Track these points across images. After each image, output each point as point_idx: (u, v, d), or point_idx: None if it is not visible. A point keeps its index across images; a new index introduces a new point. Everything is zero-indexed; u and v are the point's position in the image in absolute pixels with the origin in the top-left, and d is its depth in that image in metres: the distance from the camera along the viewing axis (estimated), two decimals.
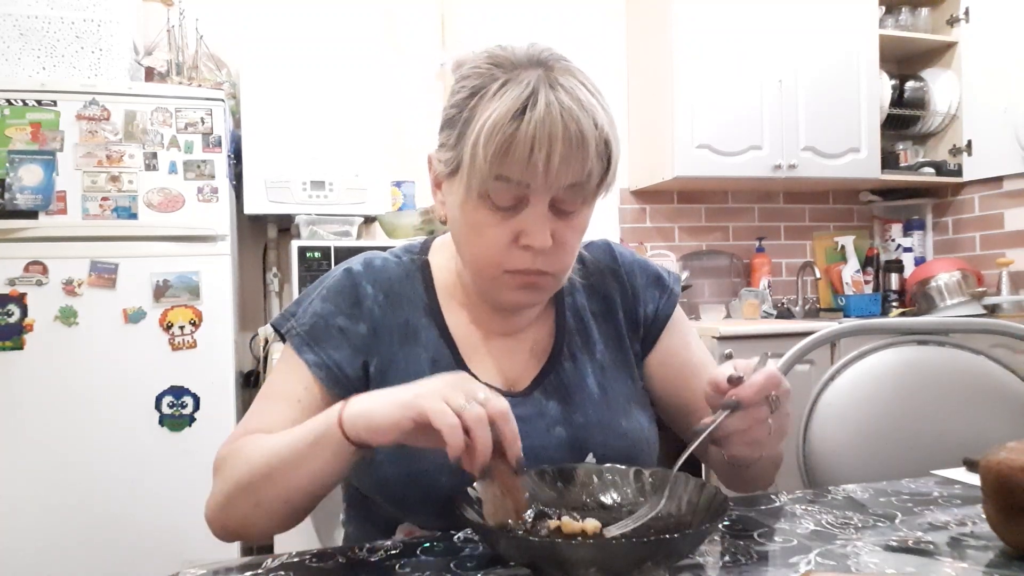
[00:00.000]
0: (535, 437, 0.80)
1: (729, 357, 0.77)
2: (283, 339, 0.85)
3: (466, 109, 0.74)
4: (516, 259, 0.76)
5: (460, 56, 0.81)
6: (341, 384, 0.81)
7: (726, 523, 0.72)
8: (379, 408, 0.64)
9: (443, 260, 0.90)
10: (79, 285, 1.96)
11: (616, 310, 0.92)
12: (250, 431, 0.79)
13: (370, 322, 0.83)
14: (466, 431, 0.60)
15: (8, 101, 1.93)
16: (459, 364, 0.84)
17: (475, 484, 0.65)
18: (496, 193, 0.73)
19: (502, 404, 0.62)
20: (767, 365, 0.68)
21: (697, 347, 0.95)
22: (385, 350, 0.83)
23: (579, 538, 0.63)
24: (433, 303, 0.87)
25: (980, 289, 2.95)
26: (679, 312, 0.96)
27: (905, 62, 3.32)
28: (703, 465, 0.99)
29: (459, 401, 0.61)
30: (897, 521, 0.72)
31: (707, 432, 0.66)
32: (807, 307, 3.21)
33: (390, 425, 0.62)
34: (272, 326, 0.87)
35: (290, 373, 0.82)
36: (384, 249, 0.94)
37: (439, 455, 0.60)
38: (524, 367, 0.87)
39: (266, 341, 2.33)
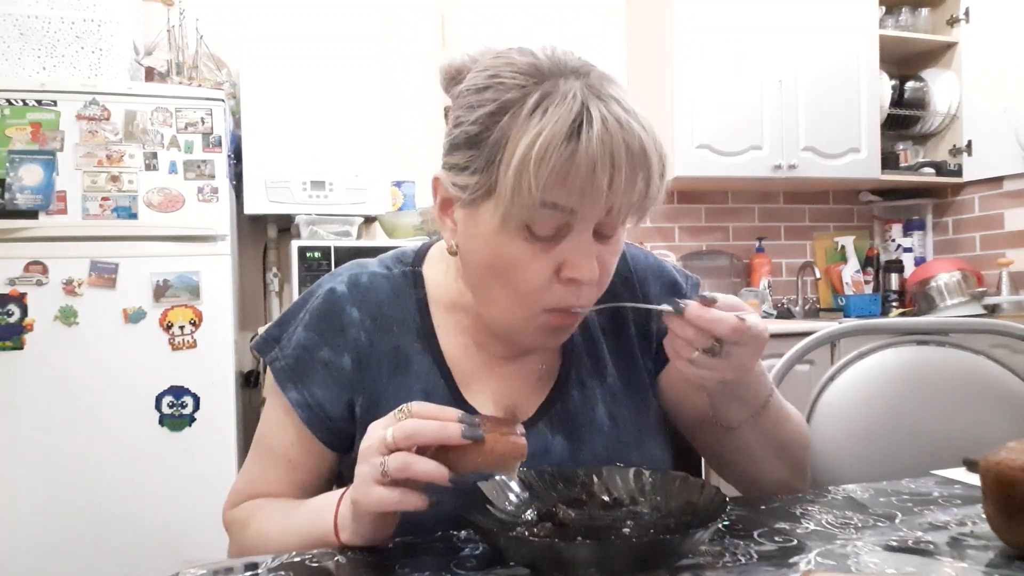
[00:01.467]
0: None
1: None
2: (268, 366, 0.80)
3: (495, 128, 0.65)
4: (557, 295, 0.69)
5: (453, 62, 0.74)
6: (324, 426, 0.77)
7: (726, 523, 0.72)
8: (360, 527, 0.63)
9: (439, 274, 0.82)
10: (79, 285, 1.96)
11: (628, 323, 0.85)
12: (251, 493, 0.79)
13: (355, 353, 0.77)
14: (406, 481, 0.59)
15: (8, 101, 1.93)
16: (454, 395, 0.78)
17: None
18: (539, 222, 0.65)
19: (404, 427, 0.59)
20: (749, 317, 0.63)
21: None
22: (372, 384, 0.77)
23: (579, 538, 0.63)
24: (427, 324, 0.80)
25: (980, 289, 2.95)
26: None
27: (905, 62, 3.32)
28: (702, 465, 0.98)
29: (376, 470, 0.59)
30: (897, 521, 0.72)
31: (639, 306, 0.72)
32: (807, 307, 3.21)
33: (384, 530, 0.64)
34: (254, 350, 0.82)
35: (279, 420, 0.79)
36: (383, 251, 0.88)
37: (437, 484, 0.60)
38: (528, 395, 0.80)
39: None
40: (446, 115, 0.76)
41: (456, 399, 0.78)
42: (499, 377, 0.80)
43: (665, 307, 0.64)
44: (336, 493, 0.69)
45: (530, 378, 0.81)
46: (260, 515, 0.76)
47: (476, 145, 0.67)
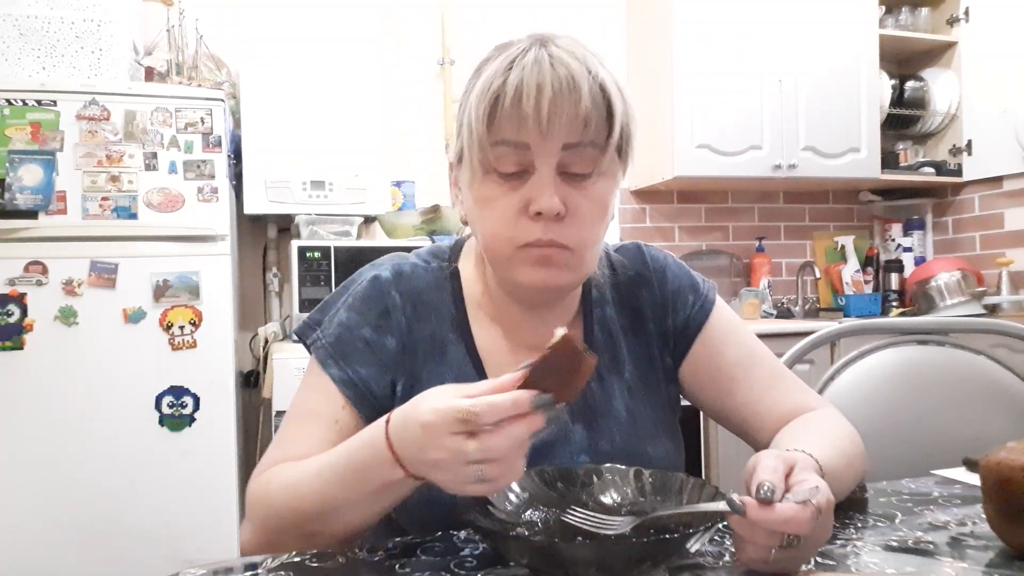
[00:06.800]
0: (559, 464, 0.77)
1: None
2: (308, 350, 0.81)
3: (466, 91, 0.76)
4: (527, 230, 0.72)
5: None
6: (369, 404, 0.77)
7: (726, 523, 0.72)
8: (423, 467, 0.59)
9: (472, 268, 0.86)
10: (79, 285, 1.96)
11: (646, 322, 0.87)
12: (284, 457, 0.75)
13: (399, 336, 0.80)
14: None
15: (8, 101, 1.93)
16: None
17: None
18: (499, 160, 0.72)
19: (480, 404, 0.56)
20: (803, 496, 0.56)
21: (737, 348, 0.86)
22: (412, 367, 0.80)
23: (579, 538, 0.63)
24: (461, 316, 0.83)
25: (980, 289, 2.95)
26: (717, 316, 0.87)
27: (905, 62, 3.32)
28: (703, 465, 0.98)
29: (463, 453, 0.56)
30: (897, 521, 0.72)
31: (694, 509, 0.61)
32: (807, 307, 3.21)
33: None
34: (296, 335, 0.84)
35: (320, 391, 0.78)
36: (383, 251, 0.90)
37: None
38: None
39: (266, 341, 2.33)
40: None
41: None
42: None
43: (722, 506, 0.58)
44: (378, 428, 0.63)
45: None
46: (297, 470, 0.71)
47: (459, 115, 0.77)
